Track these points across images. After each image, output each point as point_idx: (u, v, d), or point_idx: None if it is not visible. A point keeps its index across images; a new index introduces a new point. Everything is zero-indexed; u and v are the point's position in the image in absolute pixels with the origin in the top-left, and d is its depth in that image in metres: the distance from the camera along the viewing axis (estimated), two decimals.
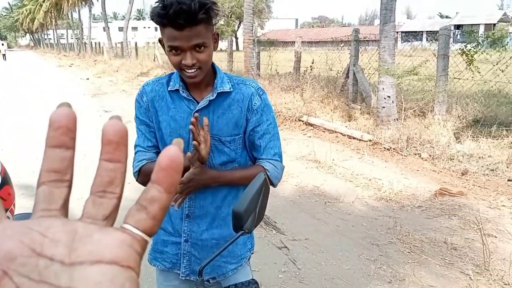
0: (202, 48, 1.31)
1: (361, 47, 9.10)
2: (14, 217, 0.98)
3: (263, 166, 1.45)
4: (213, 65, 1.46)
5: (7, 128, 8.06)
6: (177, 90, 1.43)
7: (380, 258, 3.30)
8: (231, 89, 1.44)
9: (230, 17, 51.82)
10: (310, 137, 7.27)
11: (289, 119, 8.11)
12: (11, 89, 14.74)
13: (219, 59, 15.98)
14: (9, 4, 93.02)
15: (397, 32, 38.49)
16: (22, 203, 4.21)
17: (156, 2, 1.28)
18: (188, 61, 1.30)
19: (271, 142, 1.47)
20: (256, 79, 11.23)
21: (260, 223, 1.15)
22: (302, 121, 7.97)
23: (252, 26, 12.24)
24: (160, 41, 1.39)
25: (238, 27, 48.94)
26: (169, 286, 1.59)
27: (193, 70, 1.33)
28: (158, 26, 1.33)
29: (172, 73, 1.48)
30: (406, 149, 5.93)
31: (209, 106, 1.42)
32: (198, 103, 1.43)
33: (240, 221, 1.06)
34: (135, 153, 1.51)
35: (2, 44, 41.10)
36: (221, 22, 52.82)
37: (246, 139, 1.48)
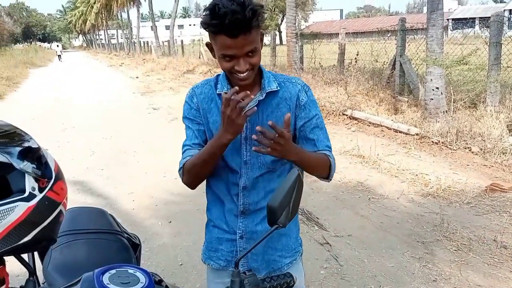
0: (254, 53, 1.33)
1: (409, 37, 8.83)
2: (66, 211, 1.07)
3: (328, 156, 1.48)
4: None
5: (64, 124, 8.52)
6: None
7: (426, 256, 3.23)
8: (278, 88, 1.46)
9: (274, 10, 51.63)
10: (354, 131, 7.17)
11: (333, 113, 8.03)
12: (69, 88, 15.53)
13: (262, 54, 16.00)
14: (63, 6, 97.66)
15: (448, 19, 36.89)
16: (77, 198, 4.49)
17: (206, 9, 1.28)
18: (242, 67, 1.32)
19: (322, 135, 1.50)
20: (299, 73, 11.18)
21: (294, 217, 1.16)
22: (346, 115, 7.87)
23: (295, 19, 12.19)
24: (207, 44, 1.40)
25: (282, 21, 48.66)
26: (219, 283, 1.59)
27: (245, 74, 1.35)
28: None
29: (219, 75, 1.51)
30: (455, 142, 5.72)
31: (258, 106, 1.44)
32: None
33: (275, 215, 1.08)
34: (183, 153, 1.53)
35: (58, 46, 43.63)
36: (264, 16, 52.74)
37: (297, 135, 1.50)
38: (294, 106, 1.46)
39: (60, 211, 0.99)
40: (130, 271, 1.12)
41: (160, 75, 18.64)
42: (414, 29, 10.82)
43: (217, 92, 1.47)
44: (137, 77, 18.94)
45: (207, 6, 1.29)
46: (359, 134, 6.92)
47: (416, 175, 4.94)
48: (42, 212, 0.91)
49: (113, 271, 1.10)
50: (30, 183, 0.89)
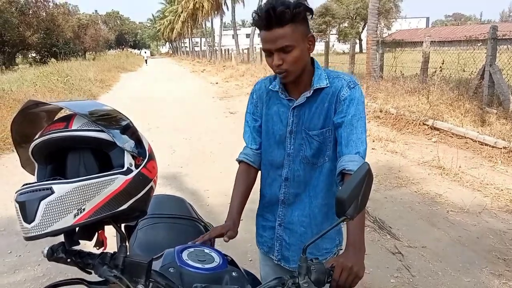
0: (289, 50, 1.36)
1: (502, 46, 8.26)
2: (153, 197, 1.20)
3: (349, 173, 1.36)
4: (313, 63, 1.51)
5: (150, 124, 9.09)
6: (277, 92, 1.54)
7: (506, 274, 3.03)
8: (328, 85, 1.46)
9: (355, 19, 50.79)
10: (435, 142, 6.86)
11: (412, 122, 7.73)
12: (154, 91, 16.52)
13: (341, 62, 15.86)
14: (153, 16, 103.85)
15: None
16: (159, 191, 4.75)
17: (253, 11, 1.40)
18: (276, 61, 1.37)
19: (353, 135, 1.41)
20: (378, 81, 10.91)
21: (362, 210, 1.13)
22: (427, 125, 7.54)
23: (377, 27, 11.94)
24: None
25: (363, 29, 47.68)
26: (266, 266, 1.75)
27: (280, 70, 1.40)
28: None
29: None
30: None
31: (307, 103, 1.48)
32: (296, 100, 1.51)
33: (343, 207, 1.07)
34: (244, 147, 1.71)
35: (145, 52, 47.51)
36: (345, 24, 52.06)
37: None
38: (335, 100, 1.44)
39: (151, 186, 1.12)
40: (206, 251, 1.23)
41: (238, 81, 19.15)
42: (508, 38, 10.08)
43: (270, 88, 1.57)
44: (216, 83, 19.63)
45: None
46: (440, 145, 6.61)
47: (501, 190, 4.62)
48: (137, 186, 1.05)
49: (192, 249, 1.21)
50: (128, 160, 1.03)
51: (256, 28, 1.42)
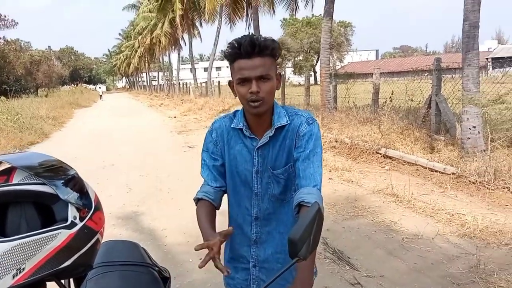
0: (267, 80, 1.42)
1: (446, 76, 8.76)
2: (102, 243, 1.16)
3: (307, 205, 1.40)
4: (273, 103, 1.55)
5: (104, 162, 8.86)
6: (241, 129, 1.56)
7: None
8: (288, 122, 1.52)
9: (309, 52, 52.52)
10: (388, 170, 7.08)
11: (366, 151, 7.97)
12: (110, 127, 16.19)
13: (297, 93, 16.25)
14: (109, 51, 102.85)
15: (487, 58, 36.21)
16: (113, 233, 4.62)
17: (228, 44, 1.46)
18: (254, 88, 1.40)
19: (310, 169, 1.46)
20: (333, 112, 11.23)
21: (314, 250, 1.15)
22: (380, 154, 7.79)
23: (329, 60, 12.38)
24: (229, 83, 1.54)
25: (317, 62, 49.21)
26: None
27: (259, 96, 1.43)
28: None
29: (237, 111, 1.61)
30: (493, 182, 5.54)
31: (269, 142, 1.52)
32: (260, 140, 1.54)
33: (295, 248, 1.08)
34: (202, 185, 1.64)
35: (100, 87, 47.52)
36: (300, 57, 53.70)
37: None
38: (295, 136, 1.51)
39: (98, 239, 1.08)
40: None
41: (197, 115, 19.16)
42: (452, 68, 10.72)
43: (232, 126, 1.58)
44: (175, 117, 19.54)
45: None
46: (393, 173, 6.82)
47: (452, 215, 4.80)
48: (81, 239, 1.01)
49: None
50: (72, 212, 0.99)
51: (229, 59, 1.46)
